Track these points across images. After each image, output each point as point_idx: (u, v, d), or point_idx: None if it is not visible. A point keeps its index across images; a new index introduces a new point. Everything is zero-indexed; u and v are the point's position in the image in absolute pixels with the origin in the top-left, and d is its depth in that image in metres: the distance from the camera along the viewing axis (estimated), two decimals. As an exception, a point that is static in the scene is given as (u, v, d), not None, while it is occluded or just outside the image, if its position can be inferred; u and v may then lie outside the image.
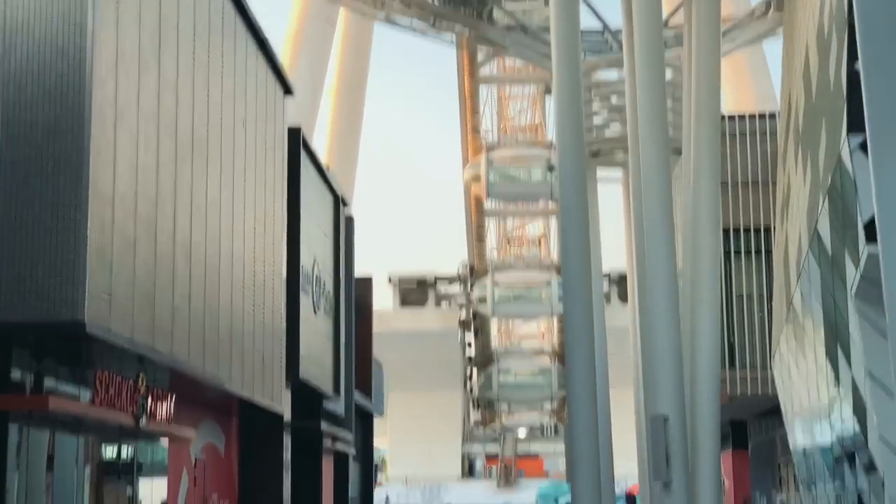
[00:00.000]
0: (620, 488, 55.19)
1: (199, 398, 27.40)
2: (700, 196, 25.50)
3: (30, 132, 18.37)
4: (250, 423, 31.71)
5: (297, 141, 32.97)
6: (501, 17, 46.19)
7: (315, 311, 35.02)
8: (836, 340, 20.25)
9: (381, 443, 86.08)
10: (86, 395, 20.50)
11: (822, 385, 21.81)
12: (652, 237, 24.84)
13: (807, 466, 24.48)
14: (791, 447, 26.89)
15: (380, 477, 77.63)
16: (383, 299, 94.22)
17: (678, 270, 25.37)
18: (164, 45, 21.93)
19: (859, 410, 19.44)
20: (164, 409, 23.20)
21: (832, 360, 20.66)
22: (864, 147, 17.51)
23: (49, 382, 19.67)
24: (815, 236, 20.46)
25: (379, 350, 59.17)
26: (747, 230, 32.33)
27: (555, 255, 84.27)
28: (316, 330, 35.18)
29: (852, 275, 18.52)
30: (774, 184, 32.15)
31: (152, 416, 22.52)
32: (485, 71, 78.18)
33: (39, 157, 18.29)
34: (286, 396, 32.26)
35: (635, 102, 27.34)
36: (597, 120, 42.78)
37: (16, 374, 18.81)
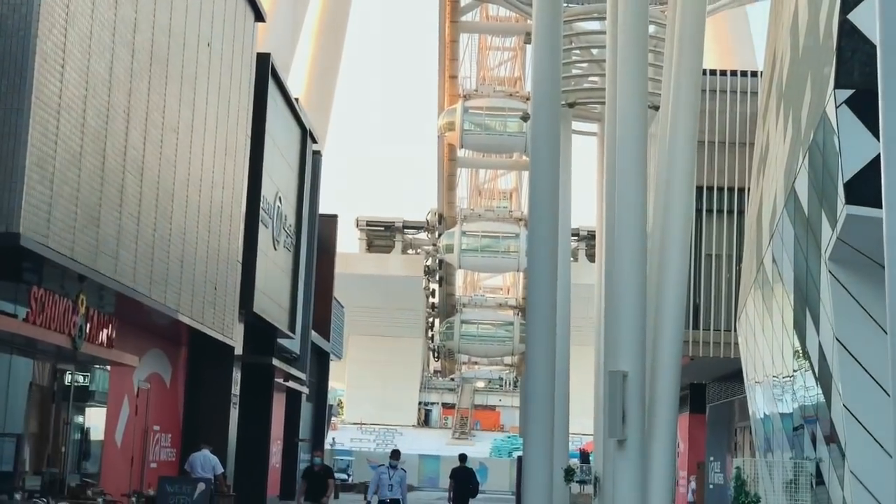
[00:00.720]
0: (575, 445, 54.46)
1: (147, 325, 26.41)
2: (675, 153, 24.50)
3: (-27, 30, 17.25)
4: (199, 354, 30.72)
5: (265, 68, 31.81)
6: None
7: (275, 245, 33.99)
8: (806, 304, 19.42)
9: (338, 385, 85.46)
10: (22, 312, 19.39)
11: (786, 350, 21.00)
12: (623, 192, 23.88)
13: (765, 433, 23.72)
14: (750, 412, 26.09)
15: (335, 419, 76.77)
16: (349, 242, 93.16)
17: (648, 227, 24.52)
18: (125, -49, 20.79)
19: (824, 378, 18.64)
20: (106, 333, 22.14)
21: (799, 325, 19.84)
22: (850, 103, 16.60)
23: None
24: (792, 195, 19.58)
25: (342, 292, 58.35)
26: (721, 189, 31.35)
27: (525, 208, 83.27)
28: (274, 264, 34.18)
29: (828, 236, 17.64)
30: (751, 144, 31.22)
31: (92, 339, 21.47)
32: (467, 18, 77.12)
33: (-23, 58, 17.18)
34: (239, 329, 31.29)
35: (615, 55, 26.29)
36: (576, 70, 41.63)
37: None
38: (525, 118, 61.22)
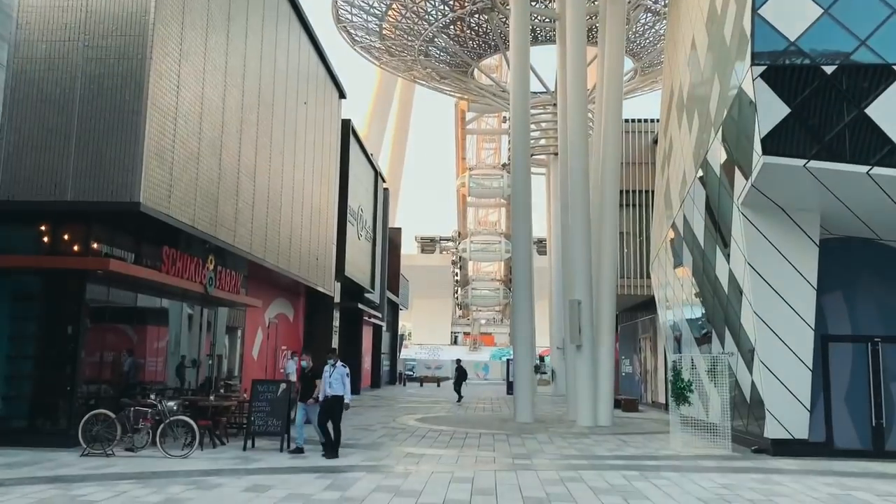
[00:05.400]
0: (536, 353, 48.63)
1: (274, 282, 20.83)
2: (606, 173, 19.28)
3: (105, 55, 11.68)
4: (312, 302, 25.13)
5: (347, 129, 26.14)
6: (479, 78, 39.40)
7: (358, 237, 28.41)
8: (716, 242, 13.53)
9: (407, 323, 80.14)
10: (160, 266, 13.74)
11: (696, 278, 15.09)
12: (574, 194, 18.70)
13: (674, 338, 17.78)
14: (660, 324, 20.19)
15: (406, 342, 71.91)
16: (412, 249, 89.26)
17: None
18: (233, 18, 15.14)
19: (734, 294, 12.77)
20: (232, 283, 16.48)
21: (710, 259, 13.95)
22: (764, 75, 10.76)
23: (128, 256, 12.92)
24: (704, 166, 13.70)
25: (409, 275, 54.62)
26: (629, 191, 25.41)
27: (504, 227, 79.08)
28: (359, 249, 28.57)
29: (741, 186, 11.81)
30: (645, 163, 25.39)
31: (221, 288, 15.80)
32: (470, 126, 72.62)
33: (111, 75, 11.61)
34: (337, 287, 25.64)
35: (565, 126, 21.34)
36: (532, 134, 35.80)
37: (99, 247, 12.13)
38: (506, 166, 55.60)
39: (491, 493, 8.38)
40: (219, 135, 14.32)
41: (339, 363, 11.56)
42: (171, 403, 11.09)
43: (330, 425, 11.24)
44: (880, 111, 10.51)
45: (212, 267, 15.07)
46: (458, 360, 30.68)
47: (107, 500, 7.44)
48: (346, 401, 11.34)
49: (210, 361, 16.84)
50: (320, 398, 11.41)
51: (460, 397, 27.17)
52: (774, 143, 10.67)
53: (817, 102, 10.65)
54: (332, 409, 11.29)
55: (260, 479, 9.05)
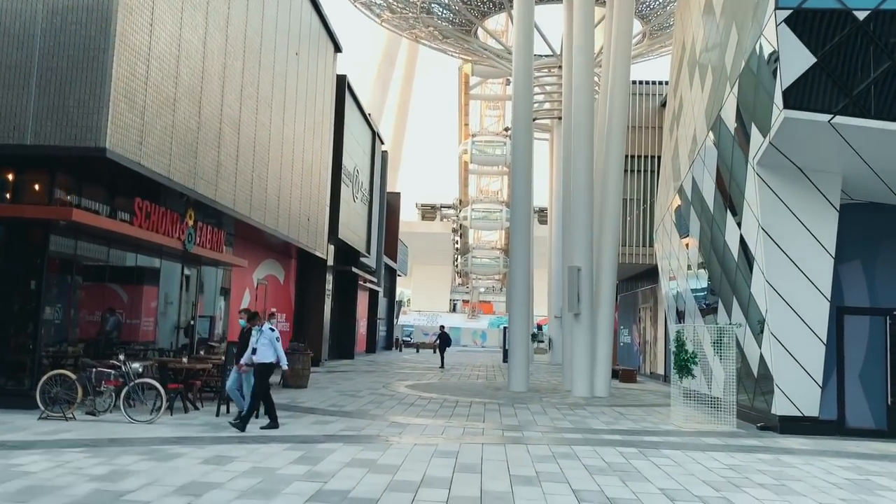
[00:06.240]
0: (534, 320, 47.96)
1: (263, 243, 19.92)
2: (612, 137, 18.33)
3: (69, -14, 10.60)
4: (304, 264, 24.22)
5: (343, 85, 24.98)
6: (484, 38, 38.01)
7: (354, 199, 27.38)
8: (726, 207, 12.58)
9: (405, 289, 79.70)
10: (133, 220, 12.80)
11: (703, 246, 14.15)
12: (577, 159, 17.71)
13: (677, 308, 16.91)
14: (662, 294, 19.29)
15: (405, 307, 71.31)
16: (412, 215, 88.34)
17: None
18: (216, -41, 14.00)
19: (745, 261, 11.86)
20: (214, 240, 15.56)
21: (719, 225, 13.01)
22: (788, 21, 9.71)
23: (101, 208, 11.99)
24: (717, 124, 12.69)
25: (409, 242, 53.81)
26: (634, 156, 24.34)
27: (505, 196, 78.20)
28: (354, 211, 27.56)
29: (757, 144, 10.83)
30: (652, 127, 24.30)
31: (202, 245, 14.88)
32: (474, 92, 71.28)
33: (76, 8, 10.54)
34: (330, 249, 24.75)
35: (570, 89, 20.34)
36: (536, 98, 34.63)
37: (64, 196, 11.20)
38: (508, 130, 54.44)
39: (476, 470, 7.58)
40: (198, 81, 13.31)
41: (266, 326, 10.04)
42: (136, 365, 10.27)
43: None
44: (915, 62, 9.49)
45: (191, 223, 14.16)
46: (442, 327, 30.06)
47: (45, 472, 6.64)
48: (282, 367, 10.02)
49: (192, 321, 16.02)
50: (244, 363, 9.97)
51: (442, 364, 26.39)
52: (797, 96, 9.67)
53: (846, 52, 9.63)
54: (260, 375, 9.80)
55: (225, 449, 8.26)
